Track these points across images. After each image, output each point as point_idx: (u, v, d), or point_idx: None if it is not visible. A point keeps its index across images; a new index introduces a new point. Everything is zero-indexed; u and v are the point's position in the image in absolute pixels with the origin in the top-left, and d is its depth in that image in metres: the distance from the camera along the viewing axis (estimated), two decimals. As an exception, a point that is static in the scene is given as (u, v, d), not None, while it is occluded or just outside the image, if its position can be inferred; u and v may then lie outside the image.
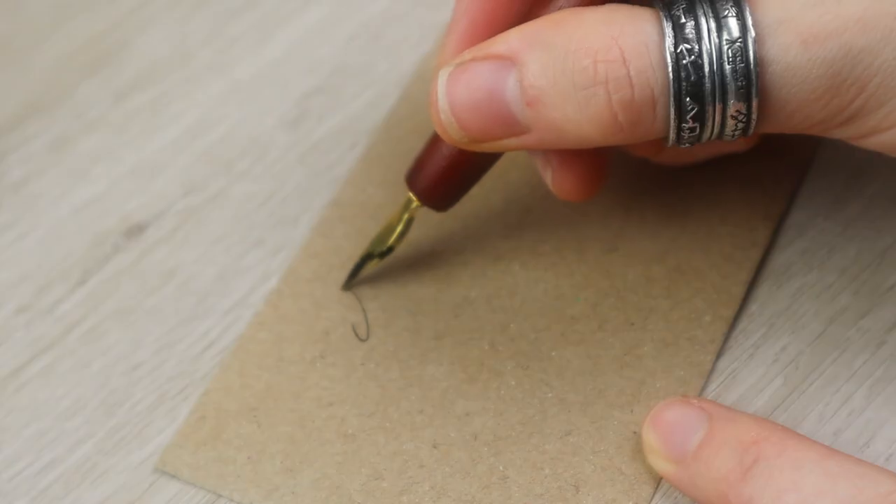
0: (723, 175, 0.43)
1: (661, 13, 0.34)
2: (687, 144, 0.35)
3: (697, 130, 0.34)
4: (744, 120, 0.34)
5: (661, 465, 0.37)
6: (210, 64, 0.49)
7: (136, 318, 0.43)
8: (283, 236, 0.45)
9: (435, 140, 0.39)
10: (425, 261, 0.43)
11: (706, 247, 0.42)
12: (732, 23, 0.33)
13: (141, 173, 0.47)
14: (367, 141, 0.47)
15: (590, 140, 0.35)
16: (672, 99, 0.34)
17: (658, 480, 0.38)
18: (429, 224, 0.44)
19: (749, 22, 0.33)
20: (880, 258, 0.42)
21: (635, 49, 0.34)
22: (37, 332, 0.43)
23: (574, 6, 0.36)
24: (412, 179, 0.40)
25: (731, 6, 0.34)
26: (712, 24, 0.33)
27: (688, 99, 0.34)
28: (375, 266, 0.42)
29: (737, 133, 0.35)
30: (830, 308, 0.41)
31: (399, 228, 0.41)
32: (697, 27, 0.34)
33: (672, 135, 0.35)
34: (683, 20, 0.34)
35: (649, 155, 0.42)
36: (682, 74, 0.33)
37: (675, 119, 0.34)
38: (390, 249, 0.42)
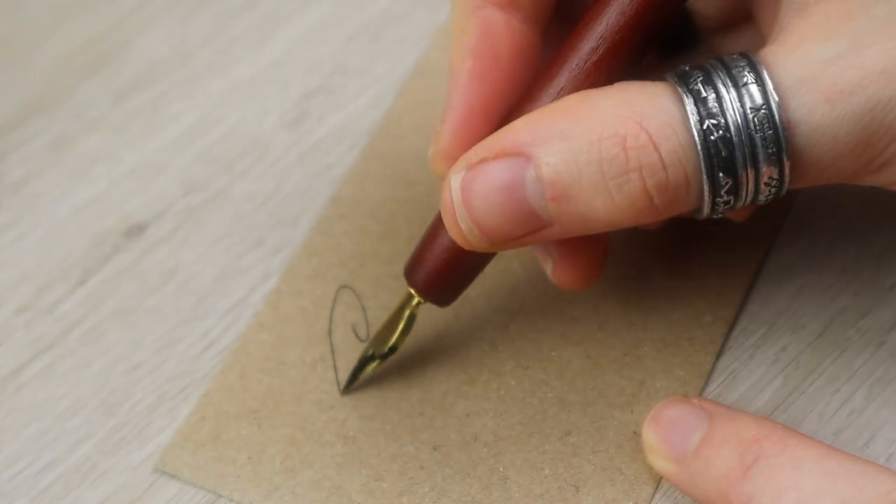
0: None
1: (677, 87, 0.33)
2: (720, 215, 0.34)
3: (732, 202, 0.34)
4: (776, 185, 0.33)
5: (662, 465, 0.37)
6: (210, 64, 0.49)
7: (136, 318, 0.43)
8: (282, 236, 0.45)
9: (433, 233, 0.37)
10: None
11: (706, 247, 0.42)
12: (754, 89, 0.32)
13: (141, 173, 0.47)
14: (367, 140, 0.47)
15: (619, 224, 0.34)
16: (705, 176, 0.33)
17: (658, 480, 0.38)
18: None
19: (770, 87, 0.32)
20: (880, 258, 0.42)
21: (661, 131, 0.33)
22: (37, 332, 0.43)
23: (577, 89, 0.35)
24: (412, 275, 0.38)
25: (749, 71, 0.33)
26: (733, 94, 0.32)
27: (721, 174, 0.33)
28: (376, 368, 0.40)
29: (770, 196, 0.34)
30: (830, 308, 0.41)
31: (401, 327, 0.39)
32: (719, 99, 0.32)
33: (707, 209, 0.34)
34: (704, 94, 0.33)
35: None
36: (713, 151, 0.32)
37: (709, 195, 0.33)
38: (392, 350, 0.40)
